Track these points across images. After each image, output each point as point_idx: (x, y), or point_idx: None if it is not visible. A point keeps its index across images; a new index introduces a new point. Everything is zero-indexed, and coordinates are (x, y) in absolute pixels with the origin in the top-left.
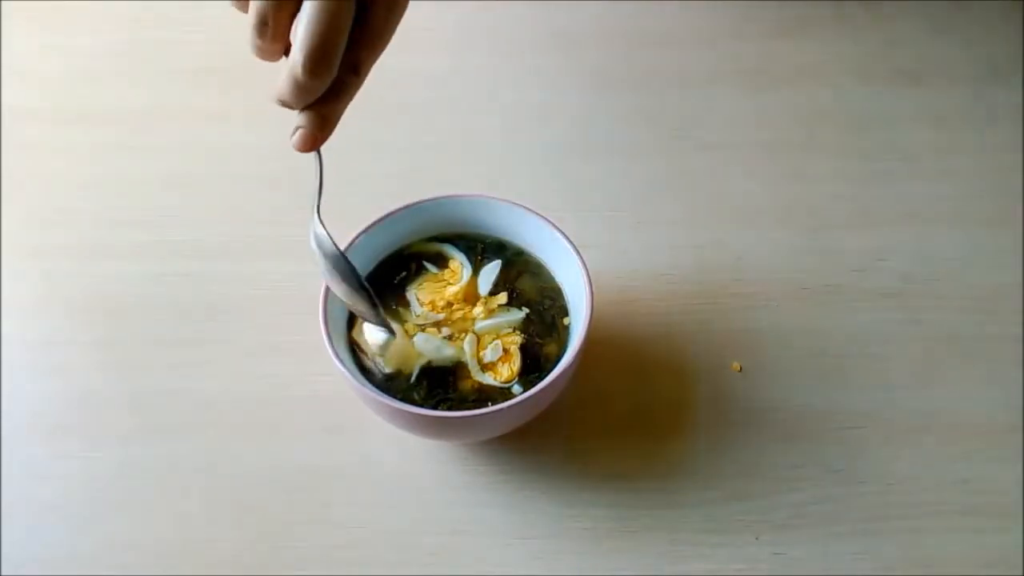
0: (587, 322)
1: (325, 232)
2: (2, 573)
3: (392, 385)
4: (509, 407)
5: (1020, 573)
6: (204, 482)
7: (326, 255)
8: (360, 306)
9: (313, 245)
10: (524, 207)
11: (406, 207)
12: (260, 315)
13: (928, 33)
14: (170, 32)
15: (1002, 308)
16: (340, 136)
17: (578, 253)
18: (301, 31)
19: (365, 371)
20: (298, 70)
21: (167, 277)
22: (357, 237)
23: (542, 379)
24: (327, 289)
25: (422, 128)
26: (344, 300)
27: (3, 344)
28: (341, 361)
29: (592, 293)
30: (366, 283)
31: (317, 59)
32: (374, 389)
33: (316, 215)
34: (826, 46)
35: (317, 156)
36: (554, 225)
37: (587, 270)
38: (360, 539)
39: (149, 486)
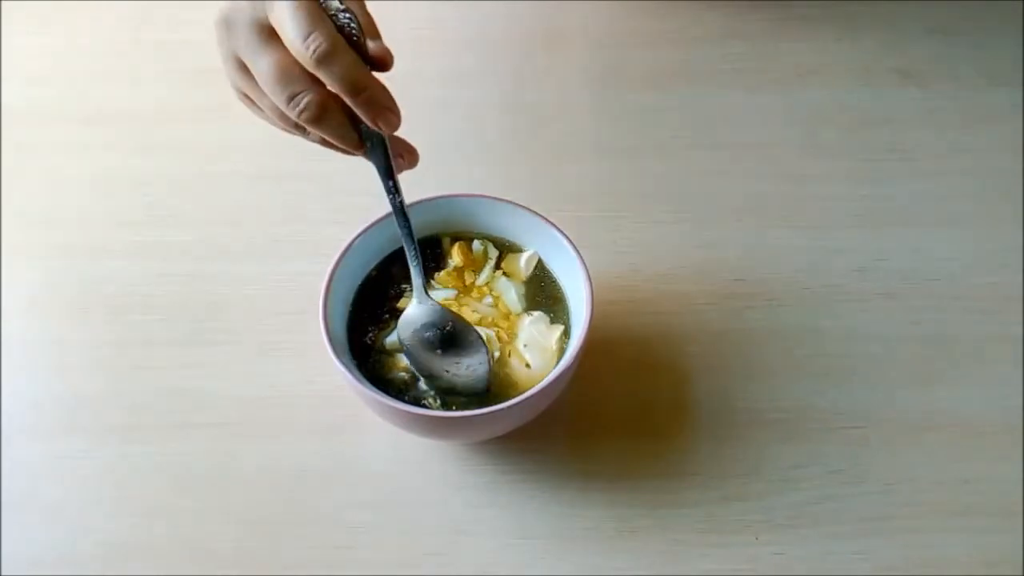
0: (587, 322)
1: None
2: (2, 573)
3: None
4: (509, 407)
5: (1020, 573)
6: (204, 482)
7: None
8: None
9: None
10: (524, 207)
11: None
12: (260, 315)
13: (928, 33)
14: (170, 32)
15: (1002, 308)
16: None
17: (578, 253)
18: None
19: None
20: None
21: (167, 277)
22: (357, 237)
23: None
24: (327, 289)
25: (422, 128)
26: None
27: (3, 344)
28: (341, 361)
29: (592, 293)
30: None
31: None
32: (374, 389)
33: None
34: (826, 46)
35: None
36: (554, 225)
37: (587, 270)
38: (360, 539)
39: (149, 486)
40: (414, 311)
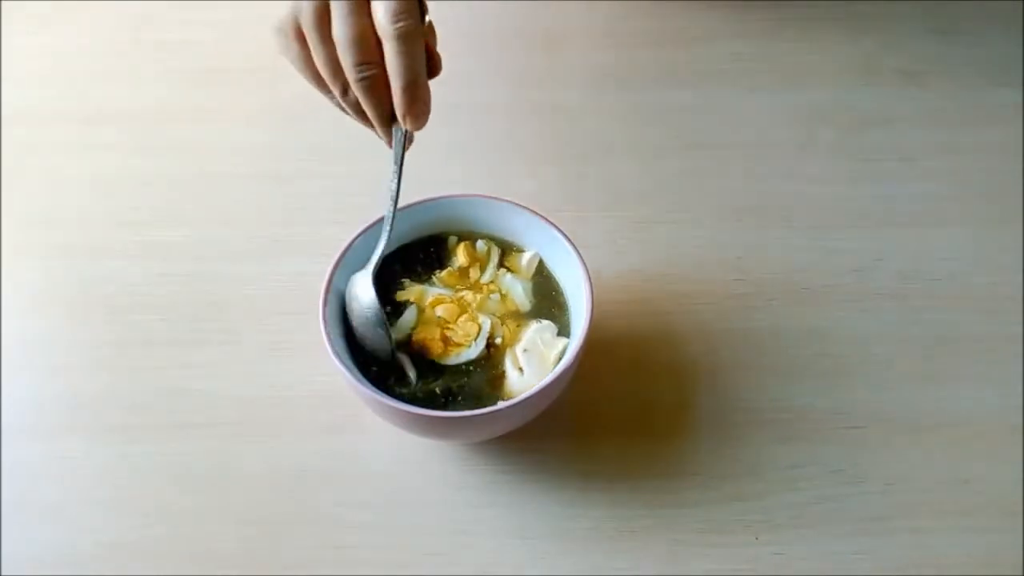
0: (587, 322)
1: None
2: (2, 573)
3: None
4: (509, 407)
5: (1020, 573)
6: (204, 482)
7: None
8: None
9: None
10: (524, 207)
11: (406, 207)
12: (260, 315)
13: (928, 33)
14: (170, 32)
15: (1002, 308)
16: (341, 137)
17: (578, 253)
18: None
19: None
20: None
21: (167, 277)
22: (357, 237)
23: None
24: (327, 289)
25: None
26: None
27: (3, 344)
28: (341, 361)
29: (592, 293)
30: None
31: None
32: (374, 389)
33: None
34: (826, 46)
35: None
36: (554, 225)
37: (587, 270)
38: (360, 539)
39: (149, 486)
40: (361, 284)
